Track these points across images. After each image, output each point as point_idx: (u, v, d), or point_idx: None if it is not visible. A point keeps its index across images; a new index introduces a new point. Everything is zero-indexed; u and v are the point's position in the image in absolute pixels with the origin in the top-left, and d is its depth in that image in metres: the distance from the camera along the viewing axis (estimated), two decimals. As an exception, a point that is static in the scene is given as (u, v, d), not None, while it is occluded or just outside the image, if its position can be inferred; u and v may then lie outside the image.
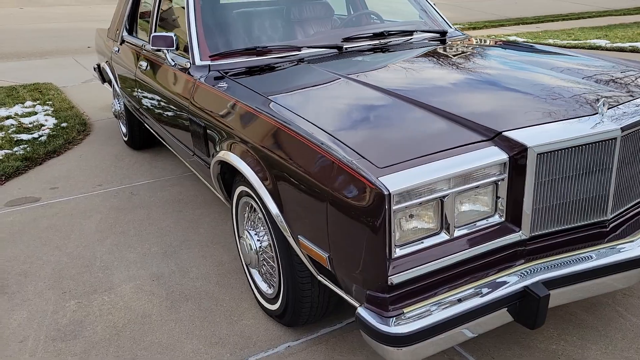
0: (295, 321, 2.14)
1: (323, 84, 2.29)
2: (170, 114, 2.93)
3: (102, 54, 4.73)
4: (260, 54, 2.73)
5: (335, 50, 2.79)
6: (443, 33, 3.11)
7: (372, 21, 3.38)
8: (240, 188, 2.26)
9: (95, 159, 4.40)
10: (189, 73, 2.70)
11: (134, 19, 3.93)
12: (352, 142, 1.69)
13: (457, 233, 1.63)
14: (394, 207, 1.48)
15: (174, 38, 2.79)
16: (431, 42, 3.02)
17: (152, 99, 3.21)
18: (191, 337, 2.24)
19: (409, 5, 3.45)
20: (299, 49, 2.78)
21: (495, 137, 1.68)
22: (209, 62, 2.69)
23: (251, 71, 2.57)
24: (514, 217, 1.70)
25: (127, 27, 3.95)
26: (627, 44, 8.33)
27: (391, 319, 1.48)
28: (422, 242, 1.60)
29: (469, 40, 3.10)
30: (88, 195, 3.70)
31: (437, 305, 1.52)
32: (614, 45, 8.37)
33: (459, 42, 3.03)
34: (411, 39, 3.02)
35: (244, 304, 2.44)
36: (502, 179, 1.65)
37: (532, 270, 1.65)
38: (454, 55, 2.65)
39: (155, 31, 3.40)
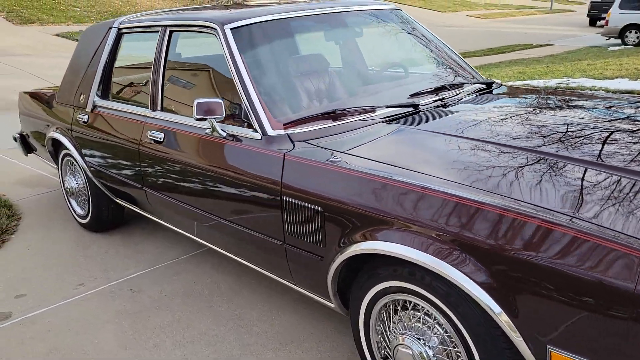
0: None
1: (478, 154, 1.99)
2: (223, 193, 2.42)
3: (42, 120, 3.93)
4: (337, 117, 2.38)
5: (411, 109, 2.52)
6: (489, 85, 2.97)
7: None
8: (385, 284, 1.86)
9: (52, 250, 3.58)
10: (258, 146, 2.26)
11: (108, 81, 3.30)
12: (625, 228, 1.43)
13: None
14: None
15: (223, 104, 2.33)
16: (485, 95, 2.85)
17: (180, 175, 2.65)
18: None
19: (425, 53, 3.29)
20: (373, 109, 2.46)
21: None
22: (284, 132, 2.27)
23: (354, 140, 2.20)
24: None
25: (100, 91, 3.30)
26: (518, 82, 9.03)
27: None
28: None
29: (527, 90, 3.00)
30: (75, 301, 2.95)
31: None
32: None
33: (528, 93, 2.91)
34: (462, 91, 2.84)
35: (384, 421, 2.01)
36: None
37: None
38: (563, 108, 2.52)
39: (162, 97, 2.85)
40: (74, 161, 3.65)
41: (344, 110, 2.40)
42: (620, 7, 15.46)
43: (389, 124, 2.37)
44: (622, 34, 15.38)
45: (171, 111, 2.82)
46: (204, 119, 2.35)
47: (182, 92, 2.86)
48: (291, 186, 2.08)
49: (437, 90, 2.73)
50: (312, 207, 2.00)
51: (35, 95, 4.10)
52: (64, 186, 3.91)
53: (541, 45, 17.08)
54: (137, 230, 3.82)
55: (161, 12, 3.36)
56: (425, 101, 2.60)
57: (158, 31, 2.92)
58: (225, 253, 2.72)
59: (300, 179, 2.06)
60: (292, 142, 2.22)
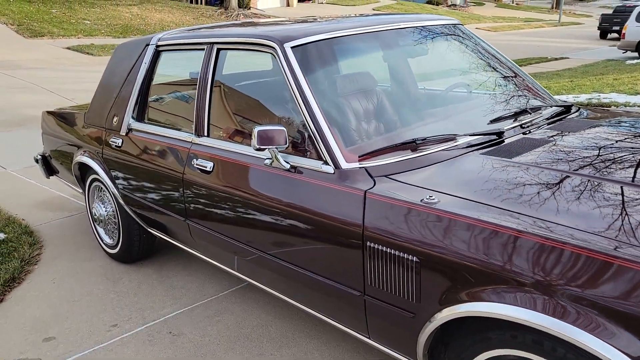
0: None
1: (609, 195, 1.71)
2: (284, 231, 2.14)
3: (68, 143, 3.67)
4: (415, 147, 2.10)
5: (495, 137, 2.24)
6: (568, 107, 2.70)
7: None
8: (498, 352, 1.58)
9: (79, 285, 3.30)
10: (330, 181, 1.98)
11: (145, 103, 3.03)
12: None
13: None
14: None
15: (285, 132, 2.06)
16: (570, 119, 2.57)
17: (232, 209, 2.37)
18: None
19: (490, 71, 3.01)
20: (454, 138, 2.19)
21: None
22: (359, 165, 1.99)
23: (444, 174, 1.92)
24: None
25: (136, 113, 3.03)
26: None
27: None
28: None
29: (610, 113, 2.72)
30: (110, 346, 2.67)
31: None
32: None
33: (613, 115, 2.63)
34: (540, 116, 2.56)
35: None
36: None
37: None
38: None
39: (209, 121, 2.58)
40: (103, 187, 3.38)
41: (424, 139, 2.12)
42: (637, 20, 15.22)
43: (479, 155, 2.09)
44: (639, 47, 15.13)
45: (220, 137, 2.54)
46: (264, 149, 2.08)
47: (233, 117, 2.59)
48: (376, 230, 1.80)
49: (516, 115, 2.46)
50: (406, 256, 1.72)
51: (59, 115, 3.84)
52: (90, 213, 3.64)
53: (556, 59, 16.84)
54: (169, 262, 3.54)
55: (201, 27, 3.11)
56: (507, 127, 2.32)
57: (203, 49, 2.66)
58: (277, 294, 2.44)
59: (388, 222, 1.78)
60: (372, 177, 1.94)
